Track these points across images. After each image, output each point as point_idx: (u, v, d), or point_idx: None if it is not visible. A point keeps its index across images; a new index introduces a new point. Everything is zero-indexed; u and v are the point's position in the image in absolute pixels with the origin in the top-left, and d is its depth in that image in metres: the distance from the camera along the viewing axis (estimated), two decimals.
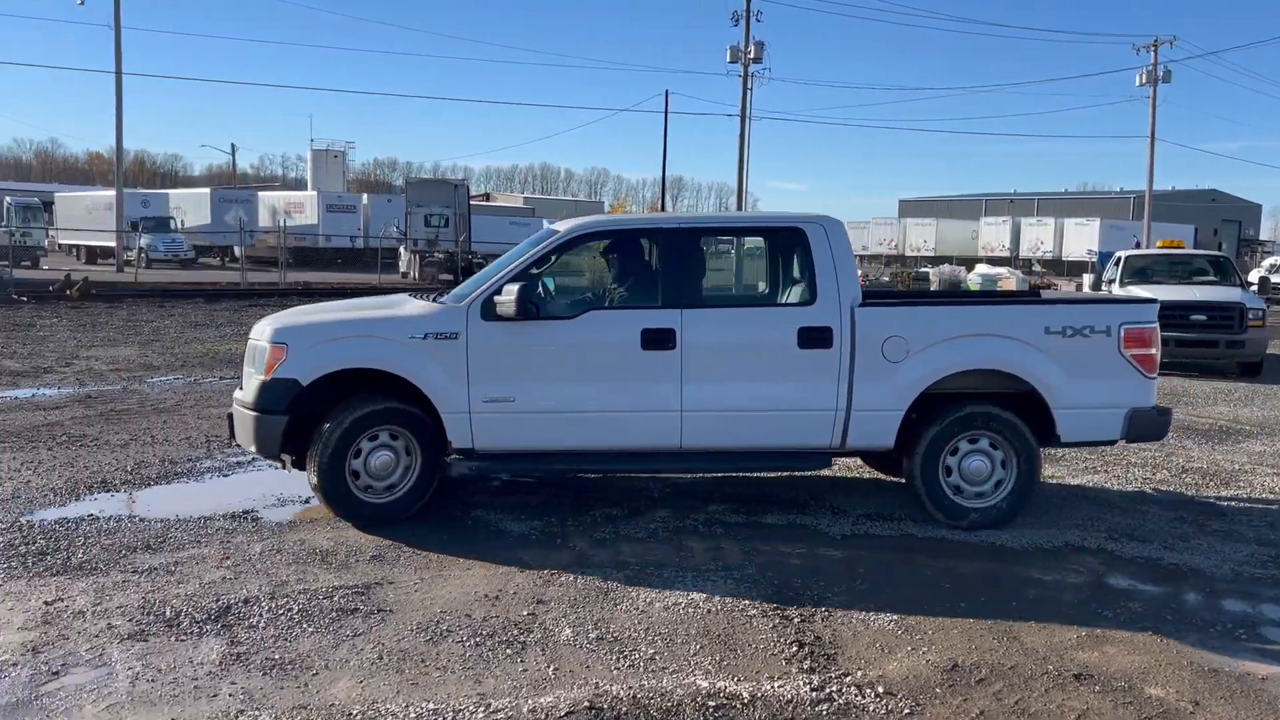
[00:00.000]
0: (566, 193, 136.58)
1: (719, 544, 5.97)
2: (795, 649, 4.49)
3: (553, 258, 6.38)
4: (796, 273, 6.49)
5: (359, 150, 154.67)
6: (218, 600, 4.89)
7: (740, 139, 41.73)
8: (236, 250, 40.27)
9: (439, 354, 6.02)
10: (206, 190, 48.52)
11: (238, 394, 6.40)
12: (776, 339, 6.13)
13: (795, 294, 6.43)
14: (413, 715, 3.80)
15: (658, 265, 6.39)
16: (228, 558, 5.54)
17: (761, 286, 7.22)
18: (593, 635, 4.59)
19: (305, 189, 49.54)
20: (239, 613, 4.75)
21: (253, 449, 6.23)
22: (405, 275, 33.99)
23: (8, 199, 43.02)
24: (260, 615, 4.73)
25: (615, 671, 4.22)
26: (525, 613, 4.84)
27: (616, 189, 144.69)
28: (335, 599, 4.95)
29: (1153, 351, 6.32)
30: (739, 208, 43.25)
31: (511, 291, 5.93)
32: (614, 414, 6.10)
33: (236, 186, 57.24)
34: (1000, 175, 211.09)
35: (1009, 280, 35.59)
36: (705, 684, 4.11)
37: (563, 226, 6.55)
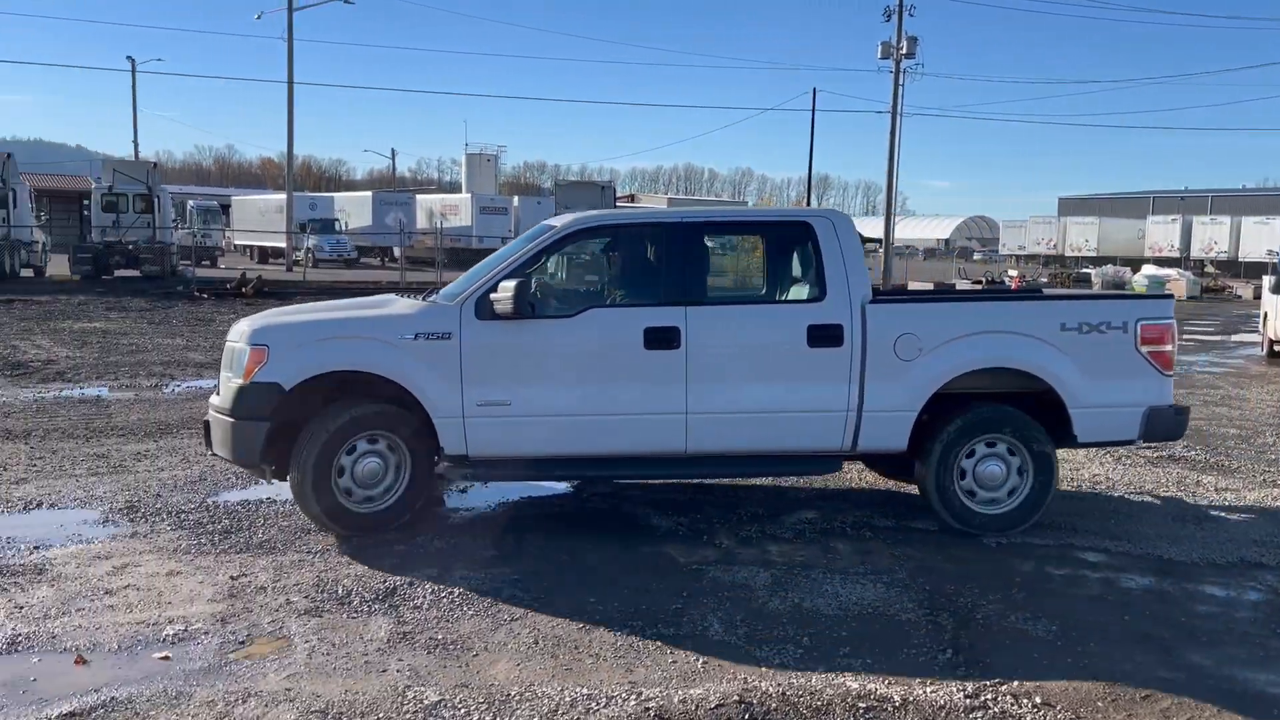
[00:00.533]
0: (710, 193, 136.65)
1: (867, 547, 5.91)
2: (949, 654, 4.42)
3: (550, 254, 6.12)
4: (805, 269, 6.33)
5: (509, 153, 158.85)
6: (385, 582, 5.17)
7: (891, 136, 40.87)
8: (396, 251, 42.04)
9: (430, 355, 5.71)
10: (368, 193, 50.78)
11: (214, 399, 6.02)
12: (785, 337, 5.92)
13: (804, 291, 6.24)
14: (567, 699, 3.93)
15: (661, 261, 6.12)
16: (399, 543, 5.84)
17: (769, 283, 6.87)
18: (741, 632, 4.63)
19: (460, 192, 51.27)
20: (404, 594, 5.01)
21: (231, 458, 5.87)
22: (554, 276, 34.79)
23: (190, 203, 46.20)
24: (424, 598, 4.98)
25: (764, 668, 4.25)
26: (674, 606, 4.92)
27: (761, 188, 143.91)
28: (494, 585, 5.16)
29: (1169, 348, 6.13)
30: (888, 205, 42.39)
31: (508, 289, 5.61)
32: (616, 417, 5.82)
33: (396, 190, 59.65)
34: (1168, 171, 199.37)
35: (1178, 283, 33.71)
36: (855, 685, 4.09)
37: (560, 221, 6.26)
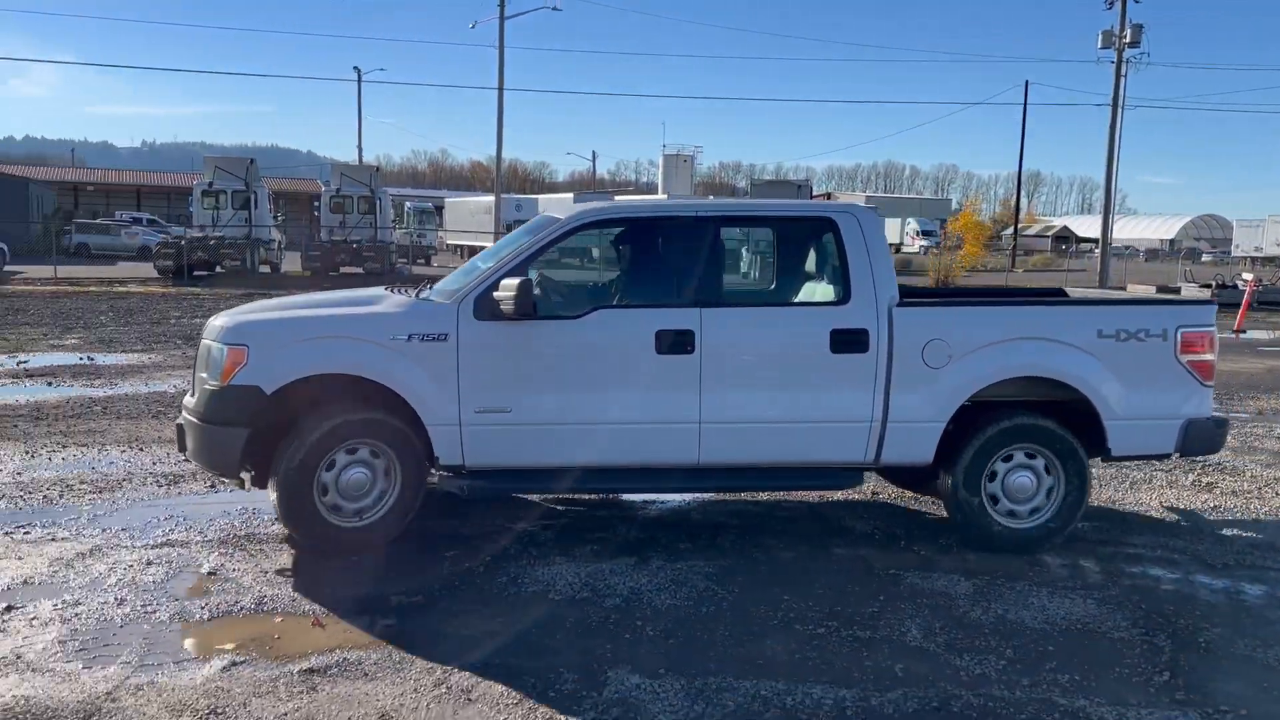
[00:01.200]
0: (911, 190, 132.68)
1: (1077, 562, 5.65)
2: (1166, 677, 4.19)
3: (555, 249, 5.68)
4: (828, 269, 5.92)
5: (706, 154, 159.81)
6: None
7: (1111, 129, 38.46)
8: (594, 251, 43.17)
9: (425, 357, 5.31)
10: (569, 195, 52.31)
11: (188, 400, 5.62)
12: (807, 342, 5.54)
13: (827, 292, 5.83)
14: (762, 693, 3.99)
15: (674, 258, 5.71)
16: (598, 529, 6.04)
17: (789, 283, 6.41)
18: (940, 639, 4.55)
19: (656, 193, 52.02)
20: (604, 583, 5.21)
21: (206, 466, 5.57)
22: (745, 276, 34.86)
23: (407, 204, 49.04)
24: (621, 589, 5.16)
25: (965, 677, 4.16)
26: (871, 609, 4.89)
27: (966, 185, 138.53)
28: (688, 575, 5.27)
29: (1210, 357, 5.77)
30: (1106, 203, 39.91)
31: (510, 287, 5.21)
32: (624, 426, 5.46)
33: (595, 191, 61.29)
34: None
35: None
36: (1063, 701, 3.95)
37: (565, 214, 5.82)
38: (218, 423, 5.29)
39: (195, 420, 5.40)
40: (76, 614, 4.59)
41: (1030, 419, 5.68)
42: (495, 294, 5.29)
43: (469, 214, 49.26)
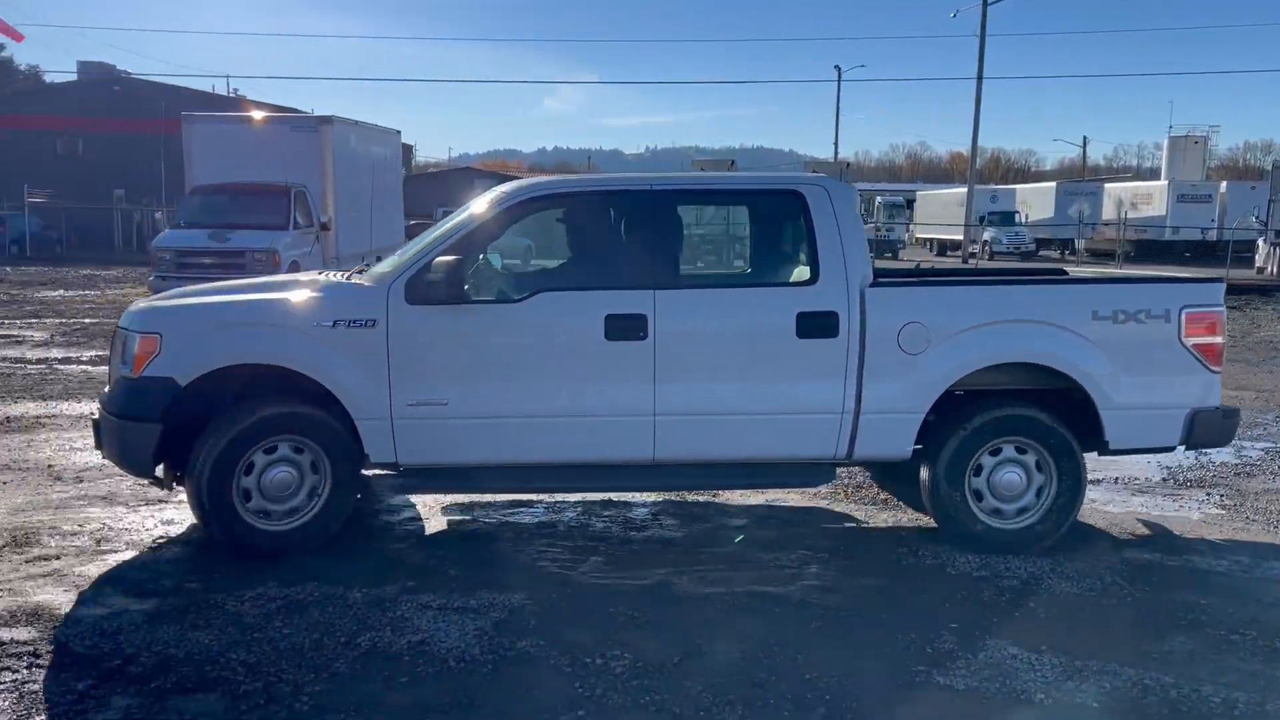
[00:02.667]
0: None
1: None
2: None
3: (495, 226, 5.21)
4: (794, 246, 5.44)
5: (1224, 134, 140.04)
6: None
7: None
8: (1077, 243, 40.26)
9: (352, 345, 4.89)
10: (1051, 184, 49.25)
11: (104, 392, 5.23)
12: (770, 326, 5.09)
13: (793, 272, 5.35)
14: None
15: (626, 237, 5.32)
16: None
17: (753, 263, 5.95)
18: None
19: (1158, 179, 47.14)
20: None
21: (119, 464, 5.08)
22: (1261, 270, 30.35)
23: (878, 198, 49.30)
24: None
25: None
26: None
27: None
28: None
29: (1218, 340, 5.29)
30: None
31: (441, 267, 4.81)
32: (571, 420, 5.04)
33: (1084, 179, 56.87)
34: None
35: None
36: None
37: (509, 188, 5.42)
38: (129, 417, 4.85)
39: (108, 414, 4.98)
40: None
41: (1018, 409, 5.20)
42: (428, 276, 4.88)
43: (940, 206, 48.20)
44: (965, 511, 5.22)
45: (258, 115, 21.12)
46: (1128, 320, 5.17)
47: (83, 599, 4.46)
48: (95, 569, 4.85)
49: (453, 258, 4.87)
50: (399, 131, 23.64)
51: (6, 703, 3.48)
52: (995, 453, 5.22)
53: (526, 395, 5.02)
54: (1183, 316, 5.21)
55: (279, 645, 3.97)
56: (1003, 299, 5.31)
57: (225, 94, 49.40)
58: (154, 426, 4.79)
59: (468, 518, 5.83)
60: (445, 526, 5.69)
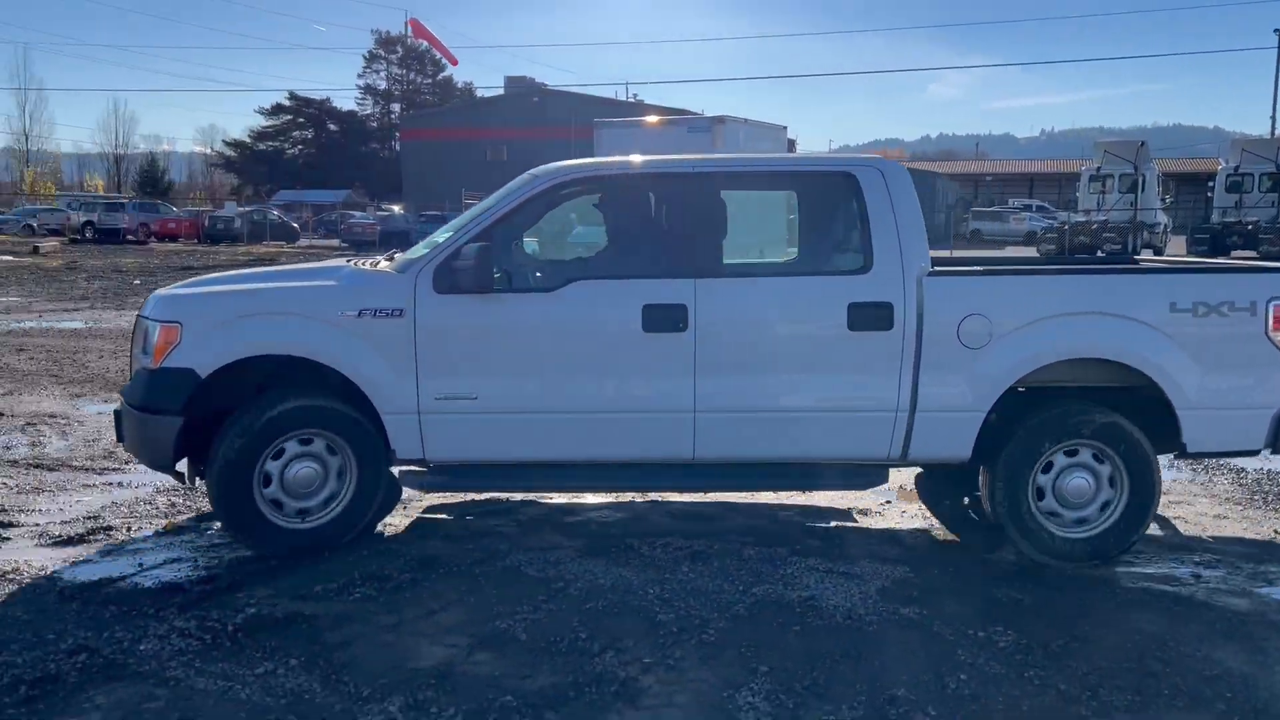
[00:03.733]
0: None
1: None
2: None
3: (530, 211, 4.99)
4: (847, 233, 5.10)
5: None
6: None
7: None
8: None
9: (378, 336, 4.72)
10: None
11: (127, 387, 5.08)
12: (820, 318, 4.83)
13: (845, 260, 5.05)
14: None
15: (666, 222, 5.10)
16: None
17: (802, 250, 5.58)
18: None
19: None
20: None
21: (140, 458, 4.99)
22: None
23: None
24: None
25: None
26: None
27: None
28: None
29: None
30: None
31: (470, 254, 4.61)
32: (607, 416, 4.82)
33: None
34: None
35: None
36: None
37: (543, 170, 5.09)
38: (149, 410, 4.74)
39: (129, 406, 4.88)
40: None
41: (1089, 410, 4.80)
42: (456, 263, 4.72)
43: None
44: (1031, 517, 4.82)
45: (656, 118, 22.74)
46: (1209, 313, 4.76)
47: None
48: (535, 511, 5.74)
49: (481, 244, 4.71)
50: (784, 127, 24.30)
51: None
52: (1062, 455, 4.84)
53: (560, 390, 4.82)
54: (1270, 309, 4.78)
55: (686, 586, 4.52)
56: (1072, 290, 4.98)
57: (626, 99, 53.31)
58: (175, 420, 4.67)
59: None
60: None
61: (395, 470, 5.03)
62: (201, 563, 4.82)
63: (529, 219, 5.13)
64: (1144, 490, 4.79)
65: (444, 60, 78.50)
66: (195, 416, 4.72)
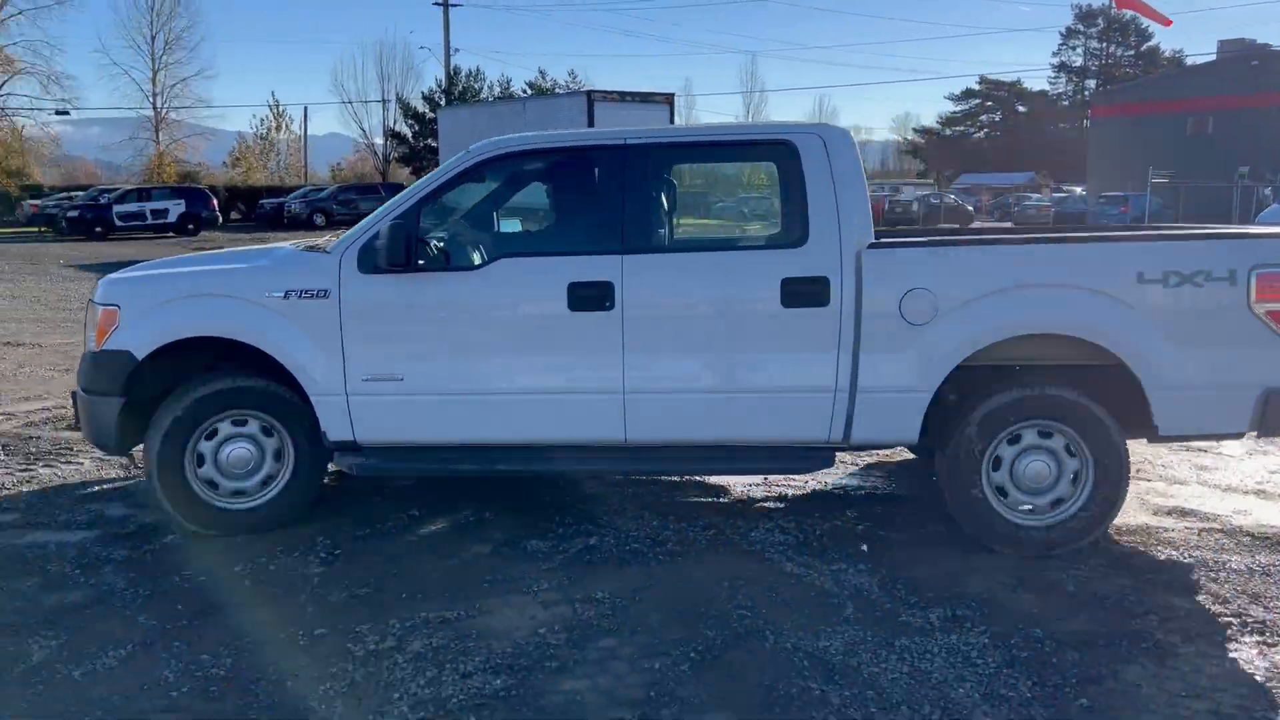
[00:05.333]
0: None
1: None
2: None
3: (456, 187, 4.84)
4: (783, 204, 4.80)
5: None
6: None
7: None
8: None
9: (304, 317, 4.66)
10: None
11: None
12: (752, 294, 4.58)
13: (780, 234, 4.78)
14: None
15: (594, 197, 4.89)
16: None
17: (736, 224, 5.19)
18: None
19: None
20: None
21: (87, 438, 5.04)
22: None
23: None
24: None
25: None
26: None
27: None
28: None
29: None
30: None
31: (390, 233, 4.48)
32: (536, 398, 4.67)
33: None
34: None
35: None
36: None
37: (476, 146, 4.93)
38: (92, 391, 4.84)
39: (78, 388, 4.98)
40: None
41: (1044, 390, 4.49)
42: (376, 243, 4.60)
43: None
44: (984, 502, 4.58)
45: None
46: (1183, 283, 4.38)
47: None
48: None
49: (398, 223, 4.57)
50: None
51: None
52: (1016, 440, 4.58)
53: (487, 371, 4.71)
54: (1253, 279, 4.35)
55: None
56: (1026, 259, 4.58)
57: None
58: (115, 401, 4.75)
59: None
60: None
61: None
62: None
63: (453, 192, 4.98)
64: (1112, 475, 4.51)
65: (1152, 26, 72.22)
66: (143, 398, 4.82)
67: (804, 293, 4.53)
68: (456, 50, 55.61)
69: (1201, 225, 5.71)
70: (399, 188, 32.08)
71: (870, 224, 4.65)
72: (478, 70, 52.05)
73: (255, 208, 44.64)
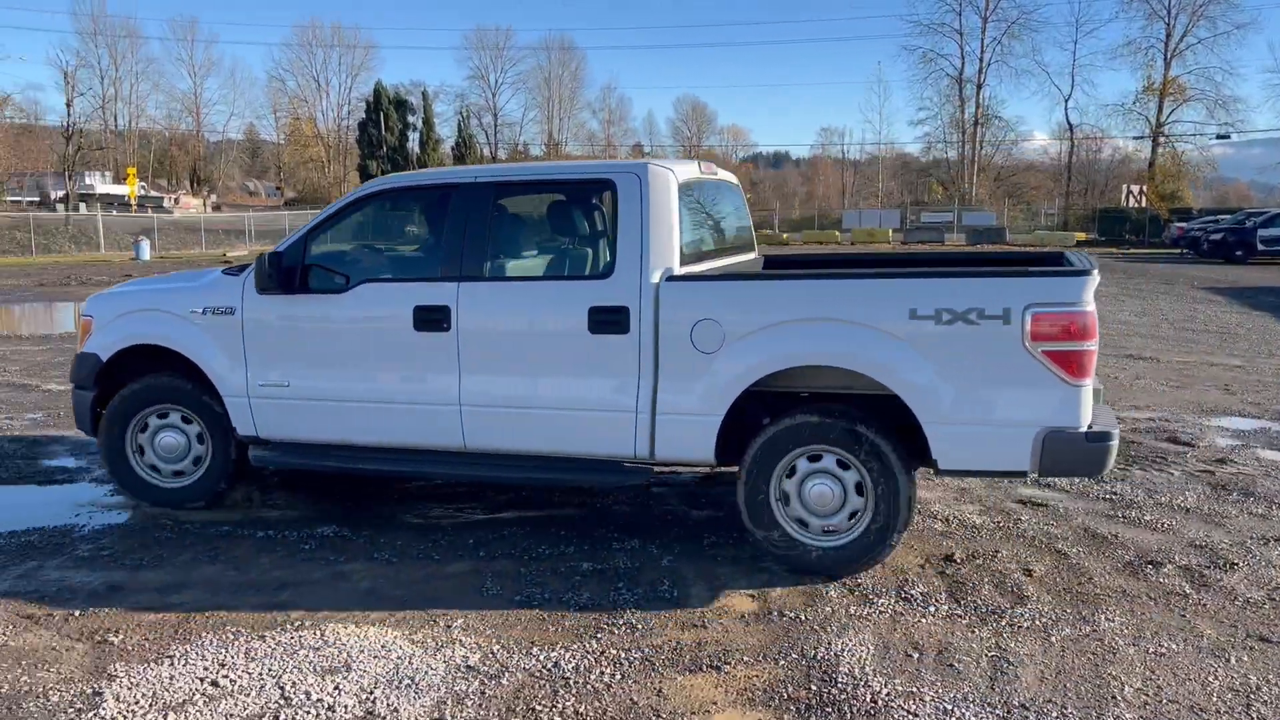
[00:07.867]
0: None
1: None
2: None
3: (341, 220, 5.62)
4: (600, 238, 5.34)
5: None
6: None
7: None
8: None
9: (217, 331, 5.65)
10: None
11: None
12: (563, 321, 5.03)
13: (592, 265, 5.29)
14: None
15: (440, 230, 5.51)
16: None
17: (560, 256, 5.70)
18: None
19: None
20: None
21: (78, 425, 6.17)
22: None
23: None
24: None
25: None
26: None
27: None
28: None
29: (1081, 347, 4.39)
30: None
31: (273, 260, 5.38)
32: (388, 406, 5.40)
33: None
34: None
35: None
36: None
37: (367, 183, 5.86)
38: (76, 385, 6.03)
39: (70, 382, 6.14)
40: None
41: (814, 417, 4.79)
42: (264, 268, 5.41)
43: None
44: (773, 522, 4.87)
45: None
46: (955, 320, 4.49)
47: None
48: None
49: (277, 251, 5.41)
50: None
51: None
52: (805, 461, 4.83)
53: (351, 381, 5.43)
54: (1027, 318, 4.41)
55: None
56: (806, 294, 4.86)
57: None
58: (88, 394, 5.95)
59: None
60: None
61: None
62: None
63: (340, 227, 5.68)
64: (890, 498, 4.68)
65: None
66: (102, 392, 5.97)
67: (608, 321, 4.92)
68: None
69: (997, 256, 6.65)
70: None
71: (675, 257, 4.96)
72: None
73: None
